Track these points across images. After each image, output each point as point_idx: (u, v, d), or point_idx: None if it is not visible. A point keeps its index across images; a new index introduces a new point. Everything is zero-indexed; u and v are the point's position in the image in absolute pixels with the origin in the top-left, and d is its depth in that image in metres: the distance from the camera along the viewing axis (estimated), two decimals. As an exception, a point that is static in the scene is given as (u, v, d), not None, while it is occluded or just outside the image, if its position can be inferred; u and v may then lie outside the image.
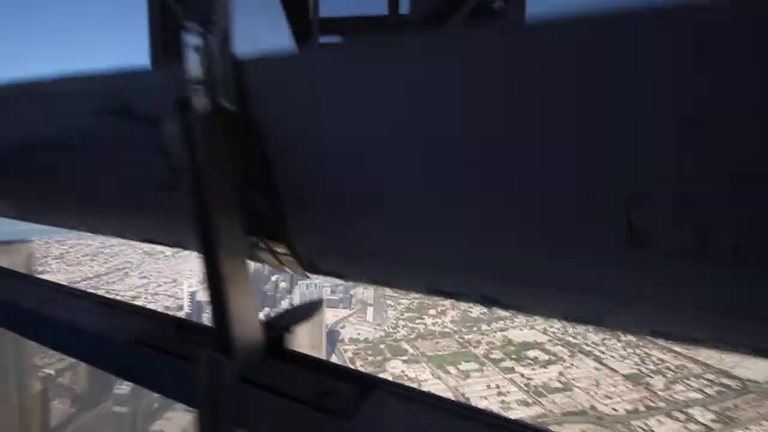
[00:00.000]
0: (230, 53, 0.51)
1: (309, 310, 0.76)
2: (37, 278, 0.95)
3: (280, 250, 0.68)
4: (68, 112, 0.69)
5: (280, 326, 0.67)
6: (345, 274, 0.69)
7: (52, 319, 0.77)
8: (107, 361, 0.69)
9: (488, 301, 0.52)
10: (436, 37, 0.39)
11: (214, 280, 0.57)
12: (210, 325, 0.74)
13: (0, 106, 0.79)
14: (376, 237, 0.56)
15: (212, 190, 0.54)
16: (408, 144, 0.44)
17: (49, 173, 0.83)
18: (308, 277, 0.74)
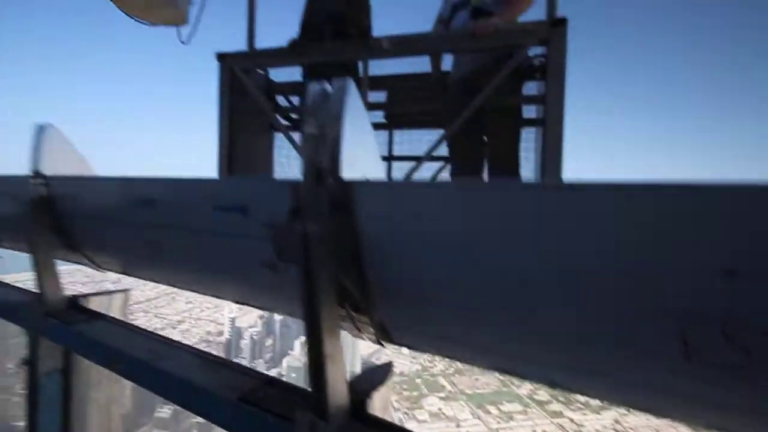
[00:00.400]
0: (338, 169, 0.65)
1: (383, 373, 0.85)
2: (148, 331, 1.12)
3: (362, 322, 0.79)
4: (193, 204, 0.86)
5: (361, 390, 0.77)
6: (418, 348, 0.79)
7: (165, 372, 0.92)
8: (214, 415, 0.81)
9: (555, 385, 0.59)
10: (515, 187, 0.49)
11: (314, 347, 0.68)
12: (301, 386, 0.85)
13: (132, 193, 0.99)
14: (449, 323, 0.66)
15: (315, 275, 0.67)
16: (481, 258, 0.54)
17: (162, 243, 1.01)
18: (383, 346, 0.83)
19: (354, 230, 0.65)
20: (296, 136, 2.80)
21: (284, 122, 3.01)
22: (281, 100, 3.20)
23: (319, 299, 0.66)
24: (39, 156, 1.20)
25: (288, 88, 3.18)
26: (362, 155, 0.68)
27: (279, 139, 3.09)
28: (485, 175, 2.39)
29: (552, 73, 1.97)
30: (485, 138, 2.35)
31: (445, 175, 2.75)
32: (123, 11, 4.62)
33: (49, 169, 1.20)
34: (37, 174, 1.20)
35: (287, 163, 3.04)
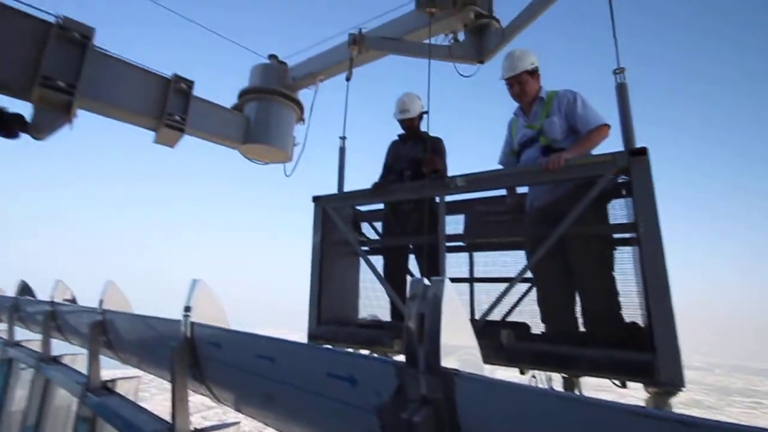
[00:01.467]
0: (438, 359, 0.73)
1: None
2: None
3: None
4: (308, 367, 1.00)
5: None
6: None
7: None
8: None
9: None
10: (618, 409, 0.52)
11: None
12: None
13: (257, 348, 1.17)
14: None
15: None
16: None
17: (276, 395, 1.14)
18: None
19: (454, 417, 0.70)
20: (377, 261, 3.05)
21: (367, 249, 3.32)
22: (365, 225, 3.58)
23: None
24: (190, 304, 1.51)
25: (372, 216, 3.58)
26: (460, 345, 0.76)
27: (364, 265, 3.36)
28: (578, 305, 2.25)
29: (639, 201, 1.94)
30: (572, 264, 2.27)
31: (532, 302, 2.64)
32: (243, 155, 5.87)
33: (196, 315, 1.49)
34: (186, 319, 1.49)
35: (372, 287, 3.24)
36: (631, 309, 2.16)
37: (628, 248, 2.32)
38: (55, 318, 2.54)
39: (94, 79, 3.79)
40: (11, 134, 3.41)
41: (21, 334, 3.11)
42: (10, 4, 3.40)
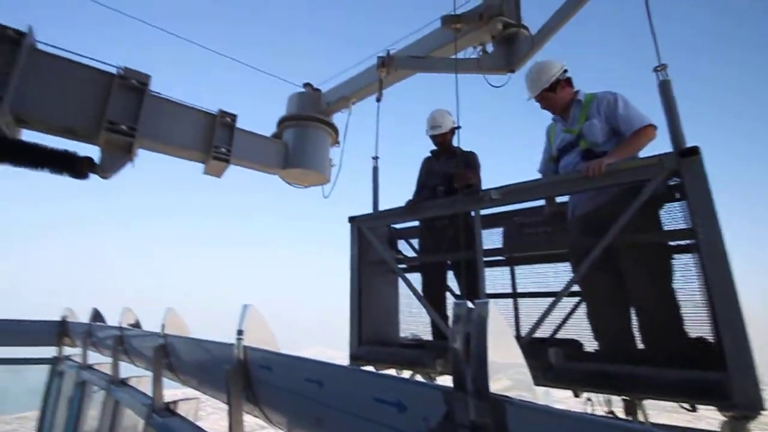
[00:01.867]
0: (486, 384, 0.72)
1: None
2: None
3: None
4: (354, 392, 1.02)
5: None
6: None
7: None
8: None
9: None
10: None
11: None
12: None
13: (305, 371, 1.21)
14: None
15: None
16: None
17: (324, 419, 1.17)
18: None
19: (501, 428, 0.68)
20: (415, 278, 3.05)
21: (404, 266, 3.32)
22: (402, 243, 3.60)
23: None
24: (242, 328, 1.59)
25: (408, 233, 3.59)
26: (508, 365, 0.75)
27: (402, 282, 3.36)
28: (635, 319, 2.10)
29: (695, 205, 1.81)
30: (623, 274, 2.14)
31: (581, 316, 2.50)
32: (283, 179, 6.13)
33: (247, 339, 1.56)
34: (239, 343, 1.57)
35: (411, 303, 3.22)
36: (698, 322, 1.98)
37: (689, 255, 2.16)
38: (123, 342, 2.76)
39: (151, 120, 4.18)
40: (82, 175, 3.81)
41: (93, 357, 3.40)
42: (78, 60, 3.86)
